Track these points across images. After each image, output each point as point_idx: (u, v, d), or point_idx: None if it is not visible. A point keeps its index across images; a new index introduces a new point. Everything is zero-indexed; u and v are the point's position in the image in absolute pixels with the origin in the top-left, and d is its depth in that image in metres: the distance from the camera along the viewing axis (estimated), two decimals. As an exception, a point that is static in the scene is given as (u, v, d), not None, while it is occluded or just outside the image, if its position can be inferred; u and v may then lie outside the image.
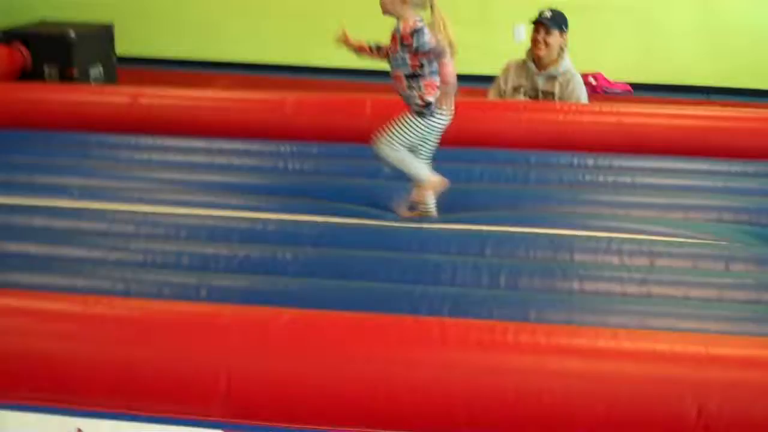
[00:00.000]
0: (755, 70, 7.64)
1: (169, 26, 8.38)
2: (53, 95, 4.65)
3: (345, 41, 3.42)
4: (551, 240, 3.15)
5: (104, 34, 7.13)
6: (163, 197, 3.52)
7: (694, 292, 2.79)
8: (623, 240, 3.13)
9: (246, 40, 8.32)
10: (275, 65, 8.21)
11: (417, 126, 3.28)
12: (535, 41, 4.71)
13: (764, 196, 3.65)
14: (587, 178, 3.83)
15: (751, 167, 3.96)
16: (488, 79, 5.03)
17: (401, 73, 3.26)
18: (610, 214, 3.39)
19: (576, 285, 2.83)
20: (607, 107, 4.39)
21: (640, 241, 3.13)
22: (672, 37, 7.73)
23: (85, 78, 6.76)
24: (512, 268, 2.92)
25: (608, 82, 7.64)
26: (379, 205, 3.44)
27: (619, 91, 7.63)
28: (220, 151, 4.05)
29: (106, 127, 4.26)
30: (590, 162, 3.99)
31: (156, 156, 4.01)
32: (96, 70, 6.89)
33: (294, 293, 2.76)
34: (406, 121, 3.27)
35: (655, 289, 2.80)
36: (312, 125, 4.27)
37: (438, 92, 3.24)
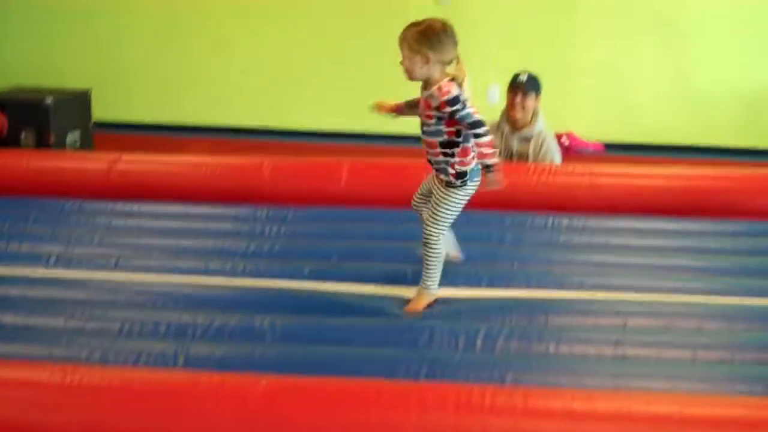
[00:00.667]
0: (726, 128, 7.78)
1: (145, 91, 8.43)
2: (30, 161, 4.66)
3: (382, 109, 3.31)
4: (526, 303, 3.18)
5: (81, 99, 7.18)
6: (140, 264, 3.53)
7: (668, 353, 2.81)
8: (597, 301, 3.18)
9: (220, 104, 8.38)
10: (250, 129, 8.27)
11: (460, 199, 3.11)
12: (512, 104, 4.81)
13: (738, 256, 3.70)
14: (562, 239, 3.86)
15: (723, 226, 4.02)
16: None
17: (435, 140, 3.06)
18: (584, 273, 3.41)
19: (551, 347, 2.84)
20: (579, 168, 4.45)
21: (614, 302, 3.17)
22: (643, 96, 7.85)
23: (61, 144, 6.79)
24: (488, 331, 2.93)
25: (581, 141, 7.74)
26: (356, 268, 3.46)
27: (591, 150, 7.72)
28: (198, 216, 4.07)
29: (83, 194, 4.28)
30: (564, 222, 4.04)
31: (133, 222, 4.02)
32: (73, 136, 6.93)
33: (272, 360, 2.76)
34: (448, 200, 3.09)
35: (630, 351, 2.82)
36: (289, 189, 4.31)
37: (473, 161, 3.08)
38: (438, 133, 3.05)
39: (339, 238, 3.82)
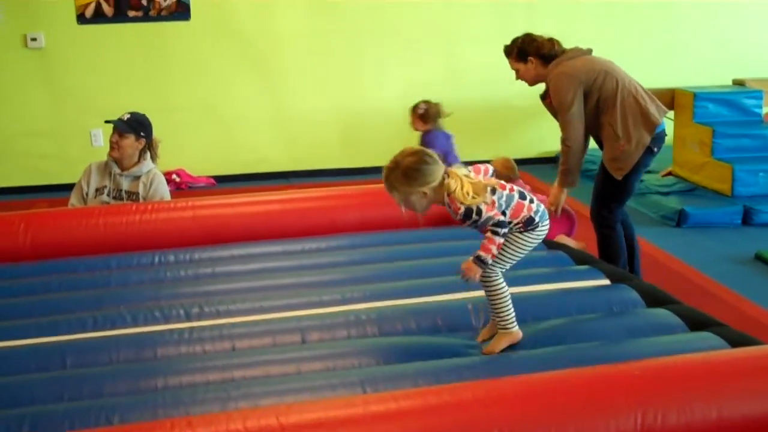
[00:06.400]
0: (324, 153, 8.22)
1: None
2: None
3: None
4: (134, 340, 3.14)
5: None
6: None
7: (274, 370, 2.89)
8: (204, 328, 3.20)
9: None
10: None
11: (529, 242, 2.94)
12: (110, 143, 4.76)
13: (336, 268, 3.90)
14: (168, 274, 3.86)
15: (323, 243, 4.23)
16: (69, 188, 4.98)
17: (481, 230, 2.95)
18: (191, 305, 3.41)
19: (160, 382, 2.81)
20: (182, 202, 4.48)
21: (221, 327, 3.21)
22: (249, 129, 8.09)
23: None
24: (95, 375, 2.86)
25: (191, 177, 7.81)
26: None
27: (203, 184, 7.83)
28: None
29: None
30: (171, 258, 4.04)
31: None
32: None
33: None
34: (517, 241, 2.92)
35: (237, 373, 2.87)
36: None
37: (533, 206, 2.93)
38: (477, 230, 2.96)
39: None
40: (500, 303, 2.97)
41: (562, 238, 4.42)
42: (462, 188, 2.83)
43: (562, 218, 4.60)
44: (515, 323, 3.00)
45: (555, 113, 4.57)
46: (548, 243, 4.26)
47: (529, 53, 4.55)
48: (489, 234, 2.86)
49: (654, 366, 2.63)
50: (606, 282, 3.69)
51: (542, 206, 2.99)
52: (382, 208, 4.52)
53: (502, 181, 2.97)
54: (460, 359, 2.94)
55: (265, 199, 4.68)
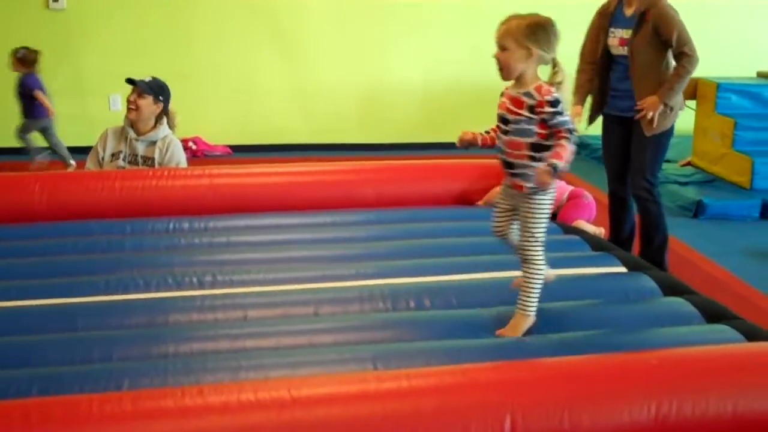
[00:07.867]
0: (342, 127, 8.18)
1: None
2: None
3: (471, 141, 2.91)
4: (146, 305, 3.13)
5: None
6: None
7: (285, 341, 2.88)
8: (216, 296, 3.18)
9: None
10: None
11: (549, 204, 2.83)
12: (128, 102, 4.72)
13: (351, 243, 3.88)
14: (182, 241, 3.84)
15: (337, 217, 4.20)
16: (86, 150, 4.96)
17: (523, 140, 2.78)
18: (204, 273, 3.39)
19: (171, 348, 2.79)
20: (198, 170, 4.46)
21: (233, 296, 3.20)
22: (268, 100, 8.05)
23: None
24: (106, 339, 2.85)
25: (208, 145, 7.79)
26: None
27: (219, 153, 7.80)
28: None
29: None
30: (186, 225, 4.03)
31: None
32: None
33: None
34: (540, 208, 2.81)
35: (249, 343, 2.85)
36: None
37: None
38: (527, 133, 2.76)
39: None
40: (536, 284, 2.88)
41: (580, 224, 4.38)
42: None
43: (581, 203, 4.57)
44: (535, 309, 2.94)
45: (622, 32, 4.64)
46: (565, 228, 4.23)
47: None
48: (562, 141, 2.69)
49: (671, 356, 2.61)
50: (622, 269, 3.65)
51: None
52: (400, 184, 4.52)
53: None
54: (473, 340, 2.90)
55: (283, 171, 4.66)
